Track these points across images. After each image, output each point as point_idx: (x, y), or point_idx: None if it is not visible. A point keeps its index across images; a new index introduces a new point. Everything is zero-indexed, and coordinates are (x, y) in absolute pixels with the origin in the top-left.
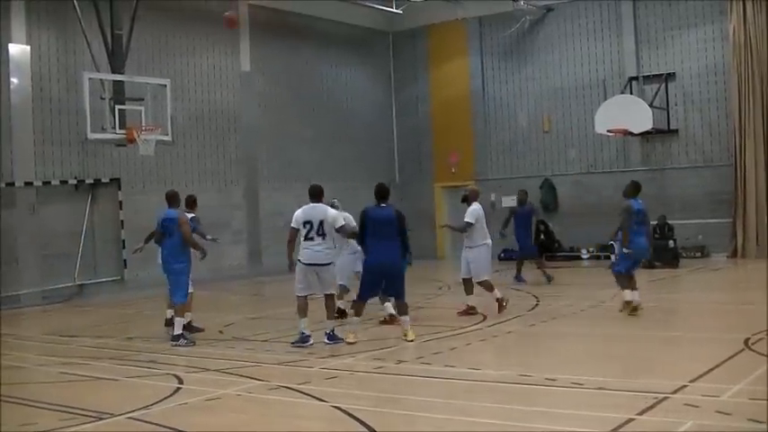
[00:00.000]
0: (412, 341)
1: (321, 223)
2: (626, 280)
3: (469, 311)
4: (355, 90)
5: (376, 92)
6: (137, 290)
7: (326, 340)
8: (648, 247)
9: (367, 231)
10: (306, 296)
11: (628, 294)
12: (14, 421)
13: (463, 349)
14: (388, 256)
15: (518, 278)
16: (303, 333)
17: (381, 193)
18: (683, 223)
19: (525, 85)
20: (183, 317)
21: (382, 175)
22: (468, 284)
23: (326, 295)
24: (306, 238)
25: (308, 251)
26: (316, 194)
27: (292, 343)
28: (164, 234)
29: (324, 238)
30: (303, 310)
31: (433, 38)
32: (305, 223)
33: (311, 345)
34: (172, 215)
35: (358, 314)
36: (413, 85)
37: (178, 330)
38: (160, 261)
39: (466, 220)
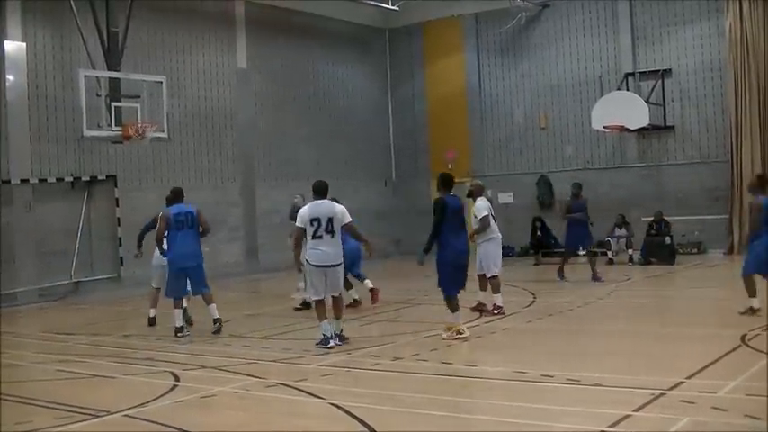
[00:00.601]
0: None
1: (330, 220)
2: (754, 285)
3: (480, 307)
4: (352, 87)
5: (372, 89)
6: (133, 287)
7: (338, 341)
8: None
9: (446, 222)
10: (323, 299)
11: (756, 302)
12: (11, 419)
13: (459, 346)
14: (467, 246)
15: (561, 276)
16: (325, 335)
17: (449, 183)
18: (679, 219)
19: (521, 81)
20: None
21: (379, 173)
22: (482, 280)
23: (334, 297)
24: (314, 237)
25: (316, 252)
26: (320, 191)
27: (317, 343)
28: (178, 229)
29: (333, 236)
30: (323, 313)
31: (429, 35)
32: (312, 221)
33: (331, 347)
34: (189, 209)
35: (455, 309)
36: (409, 82)
37: (216, 315)
38: (166, 262)
39: (481, 216)
